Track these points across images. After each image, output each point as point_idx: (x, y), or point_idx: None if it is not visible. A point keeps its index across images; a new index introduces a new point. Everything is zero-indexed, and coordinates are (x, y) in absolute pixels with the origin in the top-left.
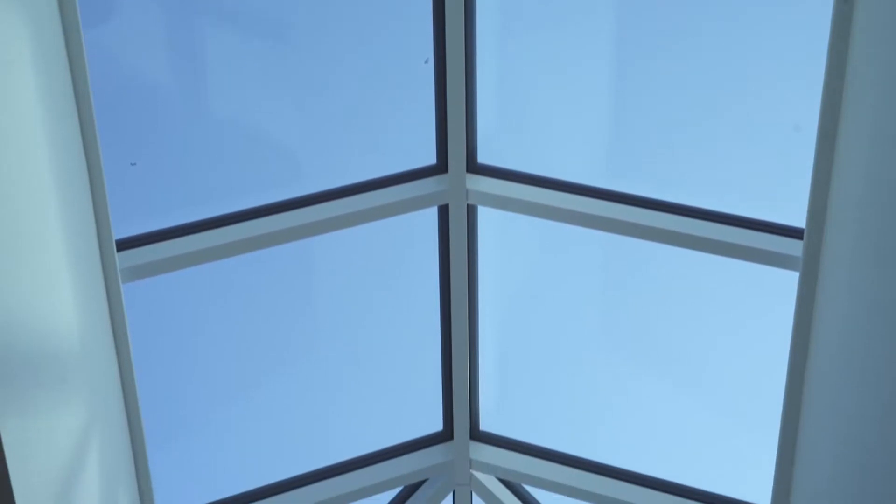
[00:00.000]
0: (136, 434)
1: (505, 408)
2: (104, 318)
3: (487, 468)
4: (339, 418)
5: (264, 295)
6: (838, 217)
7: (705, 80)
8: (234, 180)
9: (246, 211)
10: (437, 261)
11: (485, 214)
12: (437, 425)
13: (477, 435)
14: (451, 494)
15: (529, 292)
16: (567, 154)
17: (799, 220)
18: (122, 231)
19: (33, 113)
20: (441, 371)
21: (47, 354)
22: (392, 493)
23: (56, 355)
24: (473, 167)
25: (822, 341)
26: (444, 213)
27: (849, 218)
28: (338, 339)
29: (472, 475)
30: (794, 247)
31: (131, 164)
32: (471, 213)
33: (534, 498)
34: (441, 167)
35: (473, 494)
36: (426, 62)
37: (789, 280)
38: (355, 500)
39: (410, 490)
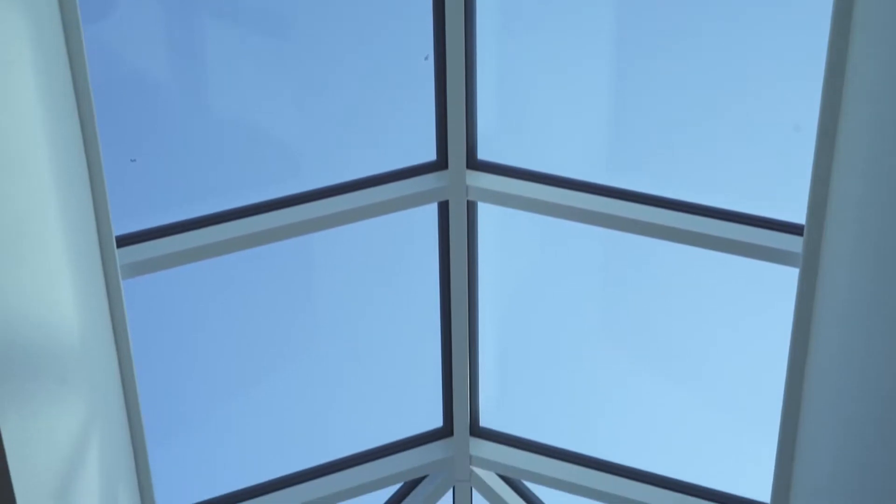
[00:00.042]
0: (136, 430)
1: (505, 404)
2: (104, 314)
3: (487, 464)
4: (339, 414)
5: (264, 291)
6: (838, 213)
7: (705, 79)
8: (234, 177)
9: (246, 207)
10: (437, 257)
11: (485, 211)
12: (437, 421)
13: (477, 431)
14: (451, 491)
15: (529, 288)
16: (567, 151)
17: (799, 216)
18: (122, 227)
19: (33, 110)
20: (441, 367)
21: (47, 351)
22: (392, 490)
23: (56, 352)
24: (473, 164)
25: (822, 337)
26: (444, 209)
27: (849, 214)
28: (338, 336)
29: (472, 471)
30: (794, 243)
31: (131, 161)
32: (471, 209)
33: (534, 494)
34: (441, 163)
35: (473, 490)
36: (426, 58)
37: (789, 276)
38: (355, 496)
39: (410, 486)
